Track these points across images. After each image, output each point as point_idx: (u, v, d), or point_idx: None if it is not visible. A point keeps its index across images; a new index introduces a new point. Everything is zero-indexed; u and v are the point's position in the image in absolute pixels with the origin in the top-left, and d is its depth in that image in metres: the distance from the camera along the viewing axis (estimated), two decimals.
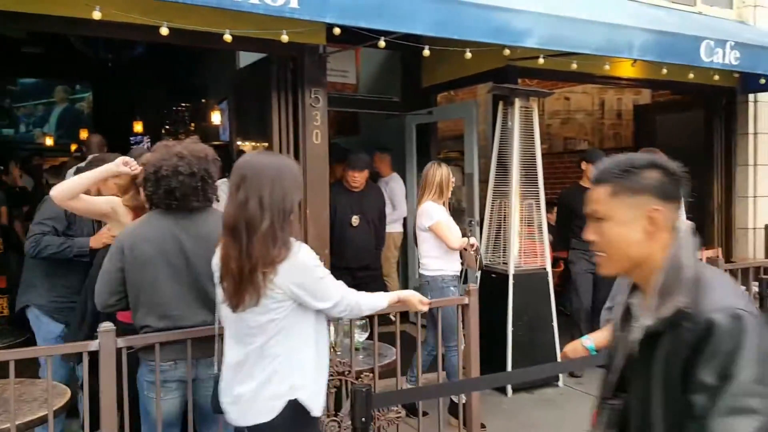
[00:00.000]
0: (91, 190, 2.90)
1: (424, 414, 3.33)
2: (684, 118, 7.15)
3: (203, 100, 9.25)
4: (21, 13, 3.32)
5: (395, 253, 6.15)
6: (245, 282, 1.99)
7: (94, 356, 2.47)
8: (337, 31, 3.65)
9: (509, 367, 4.50)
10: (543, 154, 5.04)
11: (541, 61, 4.57)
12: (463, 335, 3.31)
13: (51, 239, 3.33)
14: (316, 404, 2.10)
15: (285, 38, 3.56)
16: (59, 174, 5.31)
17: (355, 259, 4.95)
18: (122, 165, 2.77)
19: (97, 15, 3.06)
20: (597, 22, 4.26)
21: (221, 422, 2.51)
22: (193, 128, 10.19)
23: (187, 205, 2.49)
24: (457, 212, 6.92)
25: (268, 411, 2.04)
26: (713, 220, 6.55)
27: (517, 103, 4.79)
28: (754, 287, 4.16)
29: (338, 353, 3.00)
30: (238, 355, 2.10)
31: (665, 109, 7.51)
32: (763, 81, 5.89)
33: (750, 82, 6.07)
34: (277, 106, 4.30)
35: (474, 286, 3.30)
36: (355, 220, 4.97)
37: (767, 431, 1.18)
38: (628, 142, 7.97)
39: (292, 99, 4.30)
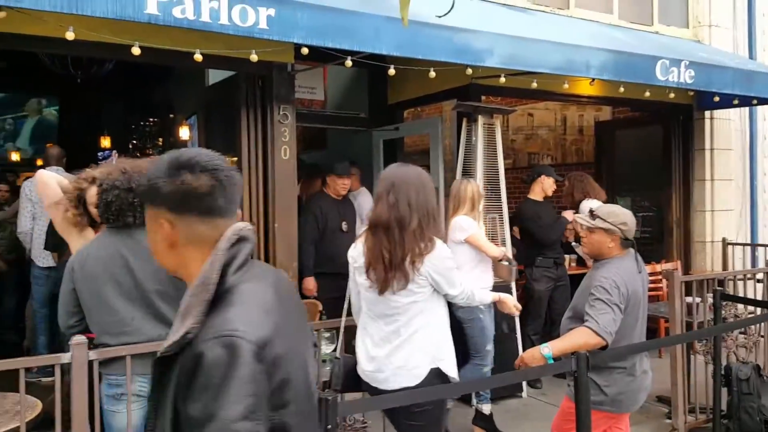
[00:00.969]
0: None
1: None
2: (643, 134, 7.40)
3: (171, 116, 9.25)
4: None
5: None
6: (395, 270, 2.41)
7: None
8: (305, 50, 3.75)
9: None
10: (508, 169, 5.19)
11: (502, 80, 4.73)
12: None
13: None
14: (453, 373, 2.52)
15: (254, 57, 3.64)
16: None
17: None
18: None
19: (70, 35, 3.09)
20: (555, 43, 4.44)
21: None
22: (161, 143, 10.17)
23: (123, 220, 2.52)
24: None
25: (414, 377, 2.45)
26: (672, 233, 6.77)
27: (481, 120, 4.94)
28: (709, 299, 4.34)
29: None
30: (383, 331, 2.52)
31: (625, 125, 7.76)
32: (717, 99, 6.15)
33: (705, 100, 6.33)
34: (246, 123, 4.37)
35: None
36: (344, 225, 5.09)
37: None
38: (590, 157, 8.22)
39: (261, 115, 4.38)
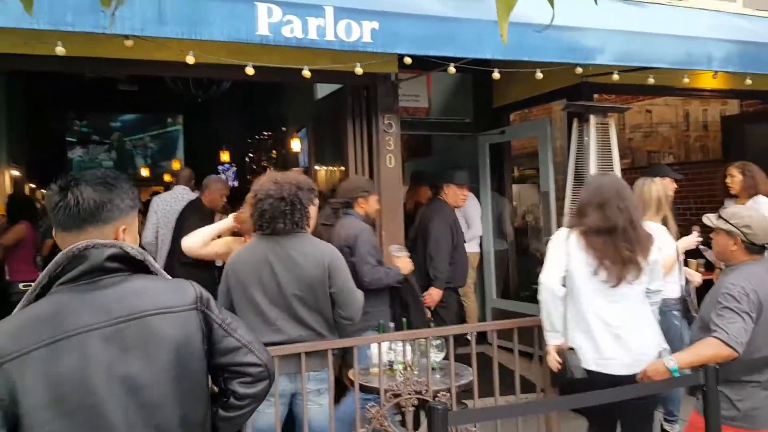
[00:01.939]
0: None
1: None
2: None
3: (284, 129, 9.65)
4: (123, 59, 3.67)
5: (472, 274, 6.14)
6: (628, 264, 2.80)
7: None
8: (408, 60, 3.78)
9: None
10: (626, 169, 4.93)
11: (615, 77, 4.52)
12: None
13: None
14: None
15: (359, 70, 3.72)
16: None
17: (465, 277, 4.98)
18: (234, 221, 3.25)
19: (190, 59, 3.33)
20: (671, 36, 4.19)
21: None
22: (274, 155, 10.64)
23: (274, 227, 2.72)
24: (535, 231, 6.88)
25: (651, 357, 2.77)
26: None
27: (593, 119, 4.73)
28: None
29: (415, 373, 3.06)
30: (619, 319, 2.83)
31: (755, 119, 7.16)
32: None
33: None
34: (352, 133, 4.48)
35: None
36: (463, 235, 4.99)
37: None
38: (717, 154, 7.64)
39: (366, 125, 4.47)
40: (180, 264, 4.47)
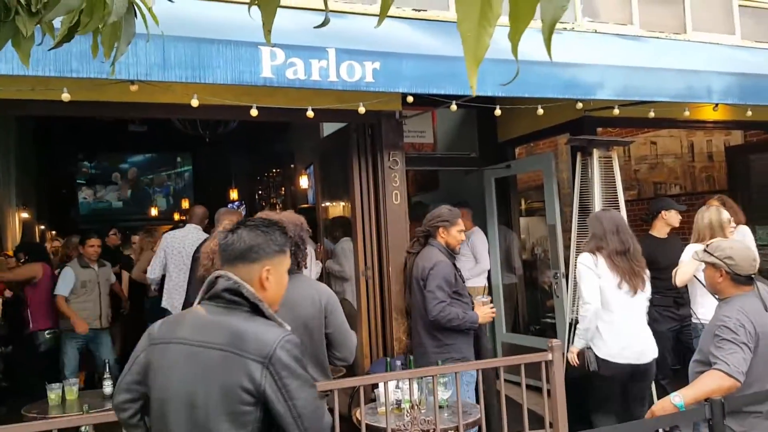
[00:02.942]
0: None
1: None
2: None
3: (291, 166, 9.74)
4: (129, 102, 3.74)
5: None
6: (637, 277, 3.61)
7: None
8: (410, 99, 3.85)
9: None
10: (632, 200, 4.93)
11: (616, 111, 4.56)
12: (547, 390, 3.26)
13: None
14: None
15: (362, 110, 3.78)
16: None
17: None
18: None
19: (195, 103, 3.40)
20: (671, 70, 4.24)
21: None
22: (282, 192, 10.71)
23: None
24: (544, 264, 6.84)
25: (654, 349, 3.70)
26: None
27: (596, 153, 4.76)
28: None
29: (423, 411, 3.04)
30: (636, 321, 3.65)
31: (759, 149, 7.16)
32: None
33: None
34: (358, 170, 4.53)
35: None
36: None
37: None
38: (722, 184, 7.63)
39: (372, 162, 4.51)
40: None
